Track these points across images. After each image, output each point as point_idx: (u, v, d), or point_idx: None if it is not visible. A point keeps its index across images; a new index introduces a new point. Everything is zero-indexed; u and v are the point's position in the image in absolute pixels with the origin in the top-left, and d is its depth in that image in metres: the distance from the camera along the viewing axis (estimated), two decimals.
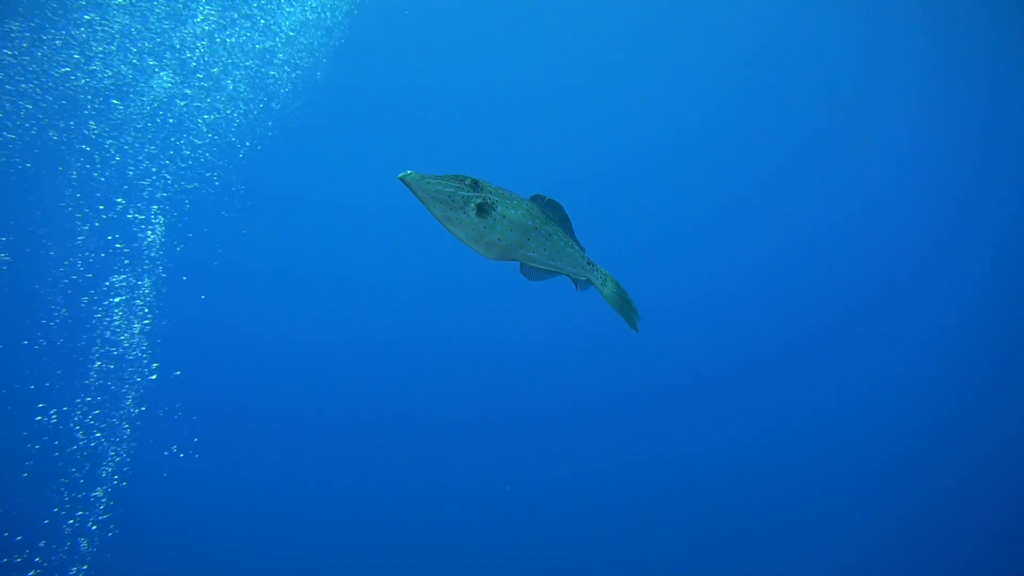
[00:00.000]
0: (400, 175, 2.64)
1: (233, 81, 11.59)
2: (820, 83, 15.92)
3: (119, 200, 10.64)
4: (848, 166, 15.73)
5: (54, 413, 9.76)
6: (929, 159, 15.59)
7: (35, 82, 10.51)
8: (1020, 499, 12.71)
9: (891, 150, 15.65)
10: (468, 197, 2.70)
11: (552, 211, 2.87)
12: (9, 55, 10.31)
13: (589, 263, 2.95)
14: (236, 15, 11.34)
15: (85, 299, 10.07)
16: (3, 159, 10.80)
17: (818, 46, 15.81)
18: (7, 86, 10.36)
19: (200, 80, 11.26)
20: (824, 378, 14.52)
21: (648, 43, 16.14)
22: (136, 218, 10.61)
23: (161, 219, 10.71)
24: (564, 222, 2.90)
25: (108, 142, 10.71)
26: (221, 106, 11.57)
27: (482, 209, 2.71)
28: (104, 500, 9.48)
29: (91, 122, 10.55)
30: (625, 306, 2.98)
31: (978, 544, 12.47)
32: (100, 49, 10.63)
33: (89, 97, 10.61)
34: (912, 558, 12.39)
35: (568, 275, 2.92)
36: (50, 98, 10.59)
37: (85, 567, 9.03)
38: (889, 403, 14.20)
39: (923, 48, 15.27)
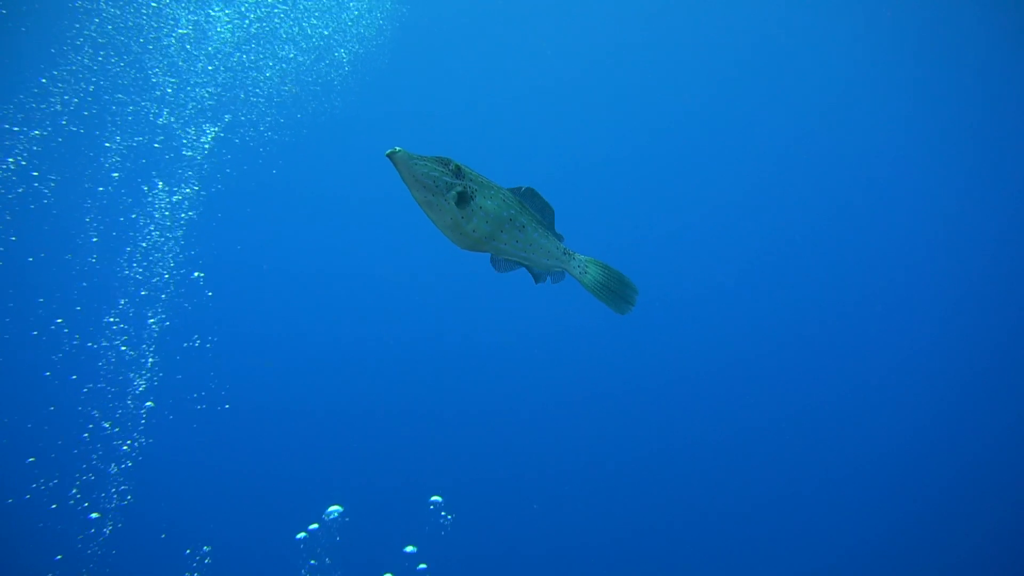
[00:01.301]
0: (387, 152, 2.55)
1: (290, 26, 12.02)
2: (814, 73, 15.54)
3: (162, 110, 11.10)
4: (844, 153, 15.34)
5: (76, 338, 10.20)
6: (927, 157, 15.16)
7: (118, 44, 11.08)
8: (1019, 498, 12.37)
9: (888, 144, 15.25)
10: (450, 183, 2.62)
11: (530, 200, 2.77)
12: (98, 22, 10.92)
13: (566, 253, 2.83)
14: None
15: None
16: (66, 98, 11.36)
17: (812, 40, 15.39)
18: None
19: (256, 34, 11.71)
20: (821, 374, 14.26)
21: (648, 39, 15.85)
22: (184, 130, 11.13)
23: (211, 130, 11.18)
24: (543, 210, 2.80)
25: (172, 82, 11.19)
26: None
27: (462, 198, 2.62)
28: (133, 422, 9.86)
29: (155, 69, 11.02)
30: (616, 286, 2.81)
31: (977, 542, 12.20)
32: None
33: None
34: (911, 557, 12.18)
35: (541, 268, 2.82)
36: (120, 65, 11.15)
37: (115, 493, 9.41)
38: (887, 399, 13.91)
39: (921, 47, 14.80)
